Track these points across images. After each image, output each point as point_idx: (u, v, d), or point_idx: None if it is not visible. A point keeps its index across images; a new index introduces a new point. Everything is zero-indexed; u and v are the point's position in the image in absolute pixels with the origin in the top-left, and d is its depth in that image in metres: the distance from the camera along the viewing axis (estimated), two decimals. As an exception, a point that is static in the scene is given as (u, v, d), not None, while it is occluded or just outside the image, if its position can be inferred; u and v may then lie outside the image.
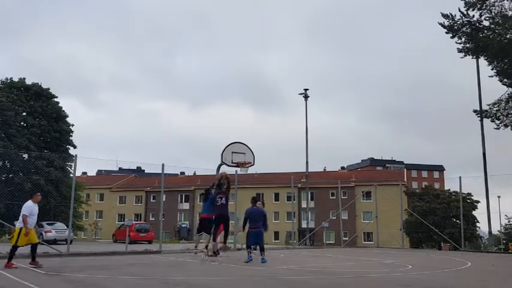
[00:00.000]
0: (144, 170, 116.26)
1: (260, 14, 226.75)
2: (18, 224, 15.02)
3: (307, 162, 41.58)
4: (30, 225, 14.91)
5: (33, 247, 15.15)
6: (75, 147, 48.98)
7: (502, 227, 34.20)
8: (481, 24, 34.33)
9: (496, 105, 36.33)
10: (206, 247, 16.48)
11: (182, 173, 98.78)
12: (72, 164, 32.23)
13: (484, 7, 33.80)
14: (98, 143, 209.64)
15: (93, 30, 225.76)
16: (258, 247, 17.78)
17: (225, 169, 26.57)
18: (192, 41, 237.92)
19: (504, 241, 33.04)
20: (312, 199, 74.08)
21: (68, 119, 49.13)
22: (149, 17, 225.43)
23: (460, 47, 35.18)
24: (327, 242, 45.93)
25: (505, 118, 36.04)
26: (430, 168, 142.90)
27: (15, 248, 14.86)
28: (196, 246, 18.59)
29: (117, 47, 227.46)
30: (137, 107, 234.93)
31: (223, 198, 15.33)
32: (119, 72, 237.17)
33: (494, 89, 37.19)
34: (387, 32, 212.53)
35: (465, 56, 35.24)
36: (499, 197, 36.15)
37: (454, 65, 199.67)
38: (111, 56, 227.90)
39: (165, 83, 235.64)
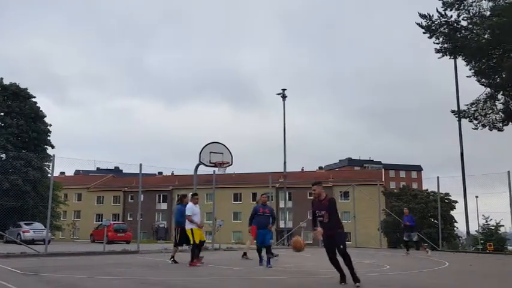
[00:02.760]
0: (122, 170, 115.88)
1: (237, 10, 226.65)
2: (187, 226, 15.57)
3: (285, 163, 41.65)
4: (198, 222, 15.62)
5: (199, 245, 15.71)
6: (53, 147, 48.87)
7: (479, 227, 34.29)
8: (458, 24, 34.59)
9: (474, 106, 36.54)
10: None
11: (160, 173, 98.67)
12: (50, 164, 32.06)
13: (462, 7, 34.05)
14: (73, 142, 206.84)
15: (63, 26, 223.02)
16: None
17: (203, 168, 26.68)
18: (166, 37, 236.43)
19: (482, 241, 33.13)
20: (289, 199, 74.03)
21: (45, 119, 49.00)
22: (121, 12, 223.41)
23: (438, 47, 35.41)
24: (305, 242, 45.93)
25: (482, 118, 36.28)
26: (408, 168, 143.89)
27: (195, 245, 15.51)
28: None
29: (88, 43, 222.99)
30: (111, 105, 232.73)
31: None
32: (91, 70, 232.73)
33: (472, 89, 37.46)
34: (365, 31, 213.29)
35: (443, 56, 35.44)
36: (476, 197, 36.28)
37: (432, 64, 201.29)
38: (82, 53, 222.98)
39: (139, 81, 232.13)
